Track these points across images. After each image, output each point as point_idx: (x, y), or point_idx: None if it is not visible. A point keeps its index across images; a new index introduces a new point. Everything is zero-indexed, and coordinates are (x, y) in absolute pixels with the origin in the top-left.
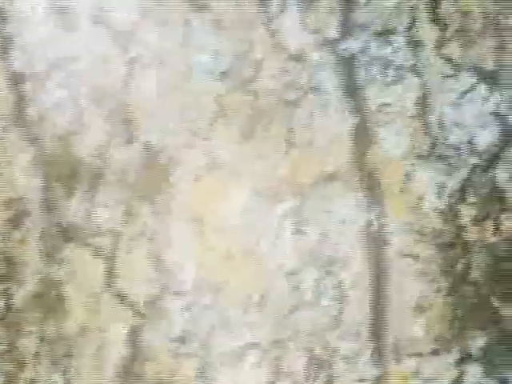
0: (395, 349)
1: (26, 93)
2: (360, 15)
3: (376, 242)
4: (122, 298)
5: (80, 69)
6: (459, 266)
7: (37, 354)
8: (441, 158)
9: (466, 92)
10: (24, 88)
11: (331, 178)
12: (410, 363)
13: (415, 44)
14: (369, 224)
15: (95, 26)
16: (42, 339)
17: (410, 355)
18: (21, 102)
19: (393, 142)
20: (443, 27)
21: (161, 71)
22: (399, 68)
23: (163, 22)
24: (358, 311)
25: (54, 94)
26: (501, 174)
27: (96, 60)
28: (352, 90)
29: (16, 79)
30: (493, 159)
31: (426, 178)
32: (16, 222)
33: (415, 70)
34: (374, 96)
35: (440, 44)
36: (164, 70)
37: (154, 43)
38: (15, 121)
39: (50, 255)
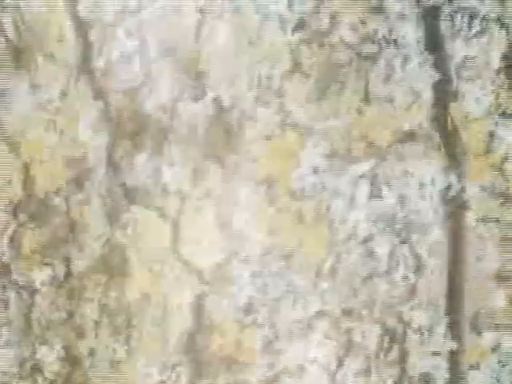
0: (474, 321)
1: (93, 42)
2: None
3: (456, 206)
4: (187, 263)
5: (149, 19)
6: None
7: (97, 323)
8: None
9: None
10: (91, 37)
11: (409, 137)
12: (490, 337)
13: None
14: (448, 187)
15: None
16: (103, 306)
17: (489, 328)
18: (87, 52)
19: (476, 99)
20: None
21: (233, 22)
22: (485, 19)
23: None
24: (434, 281)
25: (121, 44)
26: None
27: (166, 9)
28: (434, 43)
29: (83, 27)
30: None
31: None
32: (79, 181)
33: (502, 22)
34: (457, 49)
35: None
36: (236, 21)
37: None
38: (81, 72)
39: (113, 217)
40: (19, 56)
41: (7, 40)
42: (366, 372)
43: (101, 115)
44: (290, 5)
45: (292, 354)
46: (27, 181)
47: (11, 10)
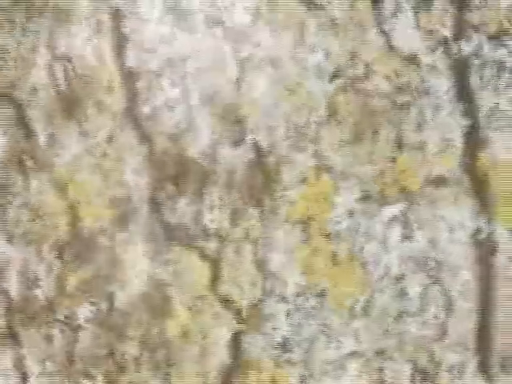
0: (503, 362)
1: (139, 91)
2: (474, 16)
3: (485, 249)
4: (225, 301)
5: (193, 68)
6: None
7: (137, 359)
8: None
9: None
10: (137, 86)
11: (440, 182)
12: None
13: None
14: (478, 231)
15: (210, 26)
16: (143, 343)
17: None
18: (134, 99)
19: (505, 147)
20: None
21: (272, 71)
22: None
23: (276, 22)
24: (464, 321)
25: (166, 93)
26: None
27: (209, 60)
28: (464, 94)
29: (130, 76)
30: None
31: None
32: (122, 221)
33: None
34: (486, 100)
35: None
36: (276, 71)
37: (267, 43)
38: (128, 119)
39: (155, 256)
40: (69, 105)
41: (58, 90)
42: None
43: (145, 159)
44: (327, 56)
45: None
46: (73, 222)
47: (63, 62)
